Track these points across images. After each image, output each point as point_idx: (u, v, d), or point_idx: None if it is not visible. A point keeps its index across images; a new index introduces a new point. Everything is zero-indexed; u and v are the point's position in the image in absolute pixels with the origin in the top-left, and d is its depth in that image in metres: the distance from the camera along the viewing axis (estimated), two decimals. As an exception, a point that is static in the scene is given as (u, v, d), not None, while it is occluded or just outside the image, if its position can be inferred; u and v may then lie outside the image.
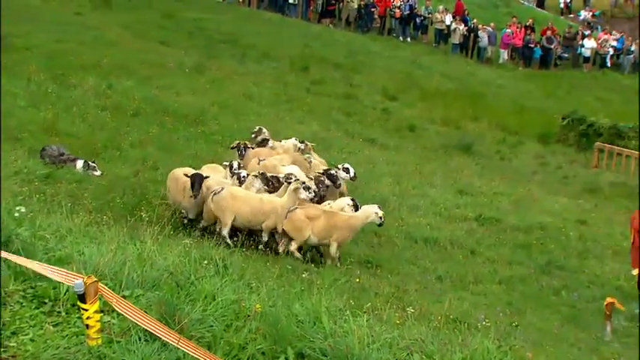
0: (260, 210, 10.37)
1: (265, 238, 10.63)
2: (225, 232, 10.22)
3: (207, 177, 10.62)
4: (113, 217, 9.43)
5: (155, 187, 12.25)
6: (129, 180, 12.45)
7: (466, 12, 38.15)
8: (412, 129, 23.04)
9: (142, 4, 30.21)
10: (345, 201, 11.02)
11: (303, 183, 10.44)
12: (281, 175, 11.13)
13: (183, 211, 10.98)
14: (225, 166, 11.68)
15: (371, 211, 10.56)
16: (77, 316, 5.16)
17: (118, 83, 18.70)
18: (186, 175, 10.50)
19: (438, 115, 25.40)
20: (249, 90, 22.10)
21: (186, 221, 11.07)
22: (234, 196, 10.30)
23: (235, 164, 11.64)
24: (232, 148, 12.89)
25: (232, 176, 11.23)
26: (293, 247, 10.43)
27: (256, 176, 10.93)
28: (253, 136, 14.01)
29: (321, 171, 11.86)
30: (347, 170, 11.87)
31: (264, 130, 14.10)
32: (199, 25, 29.20)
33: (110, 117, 16.12)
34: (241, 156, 12.56)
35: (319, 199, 11.15)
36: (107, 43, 22.79)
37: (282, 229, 10.47)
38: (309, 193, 10.41)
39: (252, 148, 12.95)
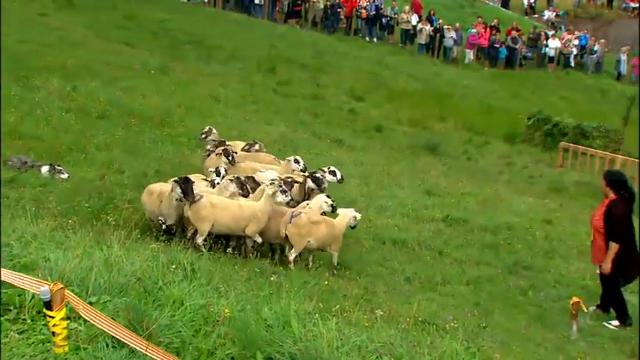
0: (241, 216, 10.30)
1: (259, 239, 10.53)
2: (201, 240, 10.11)
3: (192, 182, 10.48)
4: (79, 221, 9.32)
5: (121, 190, 12.09)
6: (95, 183, 12.29)
7: (432, 12, 38.42)
8: (379, 129, 23.11)
9: (106, 4, 29.95)
10: (322, 199, 10.93)
11: (280, 186, 10.38)
12: (265, 181, 10.99)
13: (160, 218, 10.63)
14: (211, 172, 11.53)
15: (350, 216, 10.71)
16: (43, 323, 5.09)
17: (82, 85, 18.50)
18: (175, 180, 10.27)
19: (405, 116, 25.52)
20: (216, 91, 22.02)
21: (164, 227, 10.76)
22: (213, 204, 10.19)
23: (222, 170, 11.47)
24: (217, 154, 12.50)
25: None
26: (292, 257, 10.41)
27: (231, 180, 10.84)
28: (203, 136, 13.75)
29: (307, 174, 11.72)
30: (334, 173, 11.77)
31: (214, 130, 13.87)
32: (164, 25, 29.07)
33: (75, 119, 15.93)
34: (233, 162, 12.20)
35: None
36: (71, 44, 22.57)
37: (285, 234, 10.41)
38: (286, 196, 10.36)
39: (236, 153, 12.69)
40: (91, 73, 20.01)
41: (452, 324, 8.40)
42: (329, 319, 6.12)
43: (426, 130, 24.17)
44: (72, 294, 4.82)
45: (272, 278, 8.66)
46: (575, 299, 9.87)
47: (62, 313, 4.72)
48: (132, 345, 4.68)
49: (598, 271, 10.92)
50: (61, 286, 4.71)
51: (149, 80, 21.15)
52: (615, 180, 10.43)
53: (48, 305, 4.66)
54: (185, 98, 20.20)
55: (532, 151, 24.18)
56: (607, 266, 10.23)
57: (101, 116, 16.74)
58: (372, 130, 22.95)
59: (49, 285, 4.67)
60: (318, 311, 6.65)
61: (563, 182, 20.22)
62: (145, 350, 4.61)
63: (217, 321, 5.59)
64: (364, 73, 30.66)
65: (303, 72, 28.08)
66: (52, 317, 4.70)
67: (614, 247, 10.14)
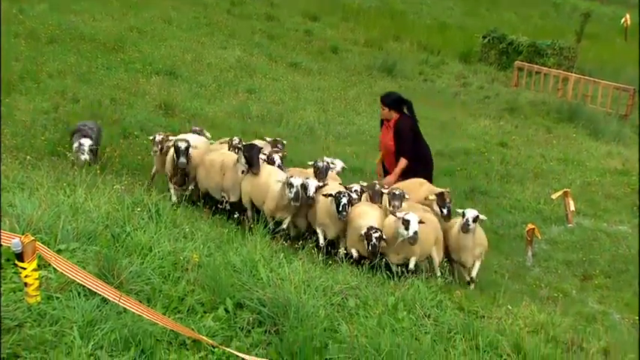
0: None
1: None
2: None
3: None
4: (36, 156, 9.21)
5: (77, 120, 11.75)
6: (50, 114, 12.05)
7: None
8: (335, 51, 22.90)
9: None
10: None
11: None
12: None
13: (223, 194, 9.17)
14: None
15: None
16: (13, 271, 5.09)
17: (29, 7, 17.98)
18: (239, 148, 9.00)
19: (361, 36, 25.30)
20: (168, 13, 21.53)
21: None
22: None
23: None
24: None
25: None
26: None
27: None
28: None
29: None
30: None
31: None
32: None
33: (25, 45, 15.52)
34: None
35: None
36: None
37: None
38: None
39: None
40: (38, -7, 19.39)
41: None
42: (294, 260, 6.24)
43: (382, 51, 24.02)
44: (43, 246, 4.81)
45: (235, 215, 8.67)
46: (530, 226, 10.11)
47: (34, 264, 4.72)
48: (104, 295, 4.74)
49: (553, 196, 11.32)
50: (32, 238, 4.69)
51: (99, 2, 20.57)
52: (391, 100, 10.13)
53: (19, 257, 4.66)
54: (137, 21, 19.75)
55: (487, 70, 24.22)
56: (391, 179, 9.85)
57: (52, 41, 16.30)
58: (328, 51, 22.72)
59: (20, 237, 4.66)
60: (282, 250, 6.77)
61: (517, 102, 20.29)
62: (118, 301, 4.68)
63: (186, 269, 5.68)
64: (318, -10, 30.25)
65: (257, -10, 27.61)
66: (24, 268, 4.71)
67: (403, 162, 9.89)
